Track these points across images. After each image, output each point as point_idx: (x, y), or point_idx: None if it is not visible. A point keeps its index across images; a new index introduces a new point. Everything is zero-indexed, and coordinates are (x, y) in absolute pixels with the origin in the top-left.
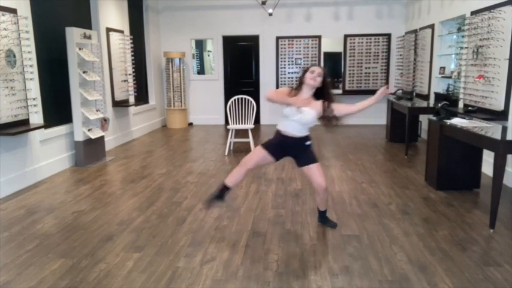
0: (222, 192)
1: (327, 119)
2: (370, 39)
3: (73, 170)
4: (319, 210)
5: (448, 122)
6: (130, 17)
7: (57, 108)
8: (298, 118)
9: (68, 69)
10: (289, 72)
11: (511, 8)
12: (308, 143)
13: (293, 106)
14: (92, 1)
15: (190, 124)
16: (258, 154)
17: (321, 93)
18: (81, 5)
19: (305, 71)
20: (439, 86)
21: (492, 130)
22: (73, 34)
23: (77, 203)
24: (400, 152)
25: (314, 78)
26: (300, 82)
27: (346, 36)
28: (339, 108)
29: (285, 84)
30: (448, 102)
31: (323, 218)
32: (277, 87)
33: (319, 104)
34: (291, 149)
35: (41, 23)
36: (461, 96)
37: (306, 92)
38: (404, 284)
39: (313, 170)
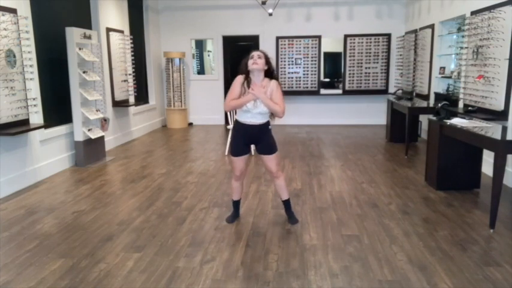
0: (236, 208)
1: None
2: (370, 39)
3: (73, 170)
4: (282, 200)
5: (448, 122)
6: (130, 17)
7: (57, 108)
8: (259, 110)
9: (68, 69)
10: (289, 72)
11: (511, 8)
12: (270, 126)
13: (251, 101)
14: (92, 1)
15: (190, 124)
16: (234, 163)
17: (270, 75)
18: (81, 5)
19: (245, 62)
20: (439, 86)
21: (492, 130)
22: (73, 34)
23: (77, 203)
24: (400, 152)
25: (255, 61)
26: (246, 73)
27: (346, 36)
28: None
29: (284, 85)
30: (448, 102)
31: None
32: None
33: (273, 84)
34: (254, 136)
35: (41, 23)
36: (461, 96)
37: (257, 78)
38: (404, 284)
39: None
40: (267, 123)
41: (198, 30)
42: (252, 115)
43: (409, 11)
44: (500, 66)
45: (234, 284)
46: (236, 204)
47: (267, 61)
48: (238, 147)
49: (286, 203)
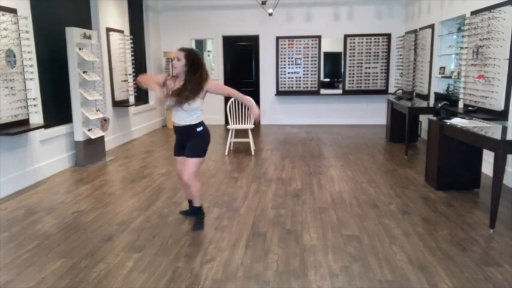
0: (191, 207)
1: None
2: (370, 39)
3: (73, 170)
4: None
5: (448, 122)
6: (130, 17)
7: (57, 108)
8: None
9: (68, 69)
10: (289, 72)
11: (511, 8)
12: (199, 129)
13: (159, 95)
14: (92, 1)
15: None
16: (177, 164)
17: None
18: (81, 5)
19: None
20: (439, 86)
21: (492, 130)
22: (73, 34)
23: (77, 203)
24: (400, 152)
25: (174, 64)
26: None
27: (346, 36)
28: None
29: (284, 85)
30: (448, 102)
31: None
32: (277, 87)
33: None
34: (184, 138)
35: (41, 23)
36: (461, 96)
37: (181, 78)
38: (404, 284)
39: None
40: (195, 125)
41: (198, 30)
42: (176, 113)
43: (409, 11)
44: (500, 66)
45: (234, 284)
46: (191, 205)
47: (188, 59)
48: (176, 148)
49: (194, 209)
